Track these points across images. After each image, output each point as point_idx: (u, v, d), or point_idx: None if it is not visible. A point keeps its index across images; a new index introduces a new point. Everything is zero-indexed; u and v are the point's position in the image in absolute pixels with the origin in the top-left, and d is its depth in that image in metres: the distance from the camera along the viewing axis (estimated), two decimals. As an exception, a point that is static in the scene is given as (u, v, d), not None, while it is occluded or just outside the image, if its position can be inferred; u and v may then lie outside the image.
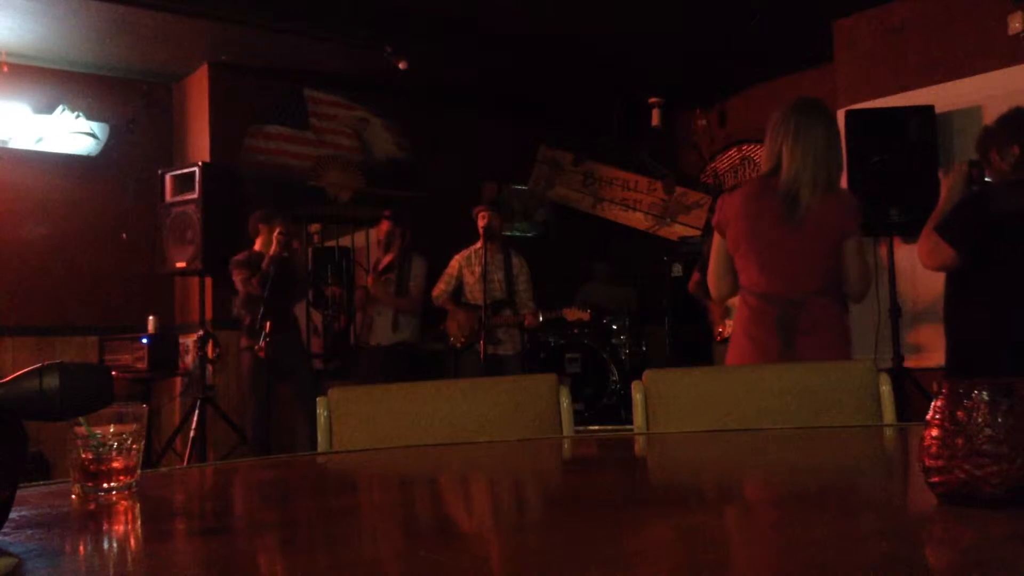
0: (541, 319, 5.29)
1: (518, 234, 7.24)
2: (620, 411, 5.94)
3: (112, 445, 1.06)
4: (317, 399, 1.73)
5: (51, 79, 5.79)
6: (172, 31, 5.39)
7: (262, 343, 5.07)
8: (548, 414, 1.79)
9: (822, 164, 2.52)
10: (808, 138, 2.53)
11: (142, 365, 5.34)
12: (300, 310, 5.87)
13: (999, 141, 2.96)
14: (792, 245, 2.54)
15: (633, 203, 7.30)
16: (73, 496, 1.06)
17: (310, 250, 6.45)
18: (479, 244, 5.33)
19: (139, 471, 1.10)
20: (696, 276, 5.47)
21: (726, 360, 2.73)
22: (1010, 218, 2.83)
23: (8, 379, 0.81)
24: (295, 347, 5.30)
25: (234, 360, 5.88)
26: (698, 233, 6.84)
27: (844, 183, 5.00)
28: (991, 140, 2.99)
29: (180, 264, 5.43)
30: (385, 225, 5.71)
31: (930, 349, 4.90)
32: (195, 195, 5.40)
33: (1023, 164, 2.88)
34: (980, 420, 0.81)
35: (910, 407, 4.03)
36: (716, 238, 2.68)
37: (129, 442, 1.07)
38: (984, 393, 0.82)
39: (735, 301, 2.76)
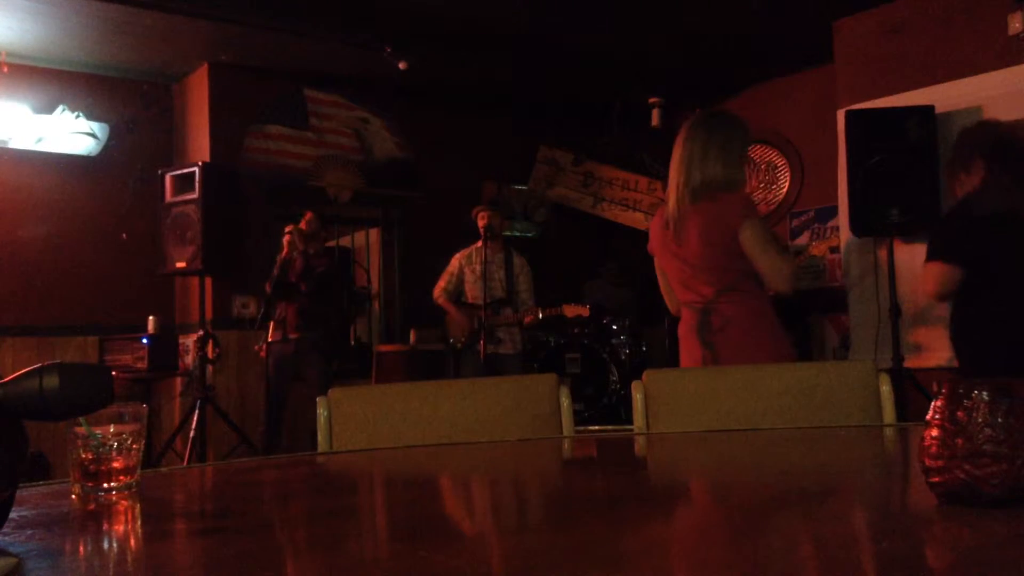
0: (541, 316, 5.28)
1: (518, 234, 7.24)
2: (620, 411, 5.94)
3: (112, 445, 1.06)
4: (317, 399, 1.73)
5: (51, 79, 5.79)
6: (172, 31, 5.39)
7: (261, 343, 5.08)
8: (548, 414, 1.79)
9: (690, 171, 2.63)
10: (682, 151, 2.67)
11: (142, 365, 5.34)
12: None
13: (963, 160, 3.03)
14: (684, 255, 2.68)
15: (633, 203, 7.30)
16: (73, 496, 1.06)
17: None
18: (480, 243, 5.33)
19: (139, 471, 1.10)
20: None
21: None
22: (992, 219, 2.87)
23: (8, 379, 0.81)
24: (310, 348, 5.26)
25: (234, 360, 5.88)
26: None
27: (843, 183, 5.05)
28: (957, 164, 3.07)
29: (180, 264, 5.43)
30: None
31: (930, 349, 4.90)
32: (195, 195, 5.41)
33: (990, 172, 2.95)
34: (980, 420, 0.81)
35: (910, 407, 4.03)
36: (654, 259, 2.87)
37: (129, 442, 1.07)
38: (984, 393, 0.82)
39: None
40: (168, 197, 5.54)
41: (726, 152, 2.65)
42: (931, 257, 2.96)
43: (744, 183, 2.75)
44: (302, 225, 5.19)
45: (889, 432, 1.67)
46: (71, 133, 5.80)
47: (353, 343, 6.67)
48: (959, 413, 0.83)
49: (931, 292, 3.03)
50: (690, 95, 7.02)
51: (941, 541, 0.78)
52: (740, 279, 2.62)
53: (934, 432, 0.85)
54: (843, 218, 5.30)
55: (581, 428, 2.18)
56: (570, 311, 5.32)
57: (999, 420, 0.81)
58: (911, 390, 4.36)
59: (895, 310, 4.68)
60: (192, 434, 5.14)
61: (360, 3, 5.13)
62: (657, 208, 2.90)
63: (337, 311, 5.59)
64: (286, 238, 5.14)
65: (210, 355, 5.43)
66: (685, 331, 2.73)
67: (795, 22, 5.60)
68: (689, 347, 2.69)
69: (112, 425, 1.06)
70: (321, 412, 1.71)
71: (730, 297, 2.62)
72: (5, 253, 5.59)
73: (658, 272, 2.86)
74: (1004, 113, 4.57)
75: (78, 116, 5.82)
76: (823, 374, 1.86)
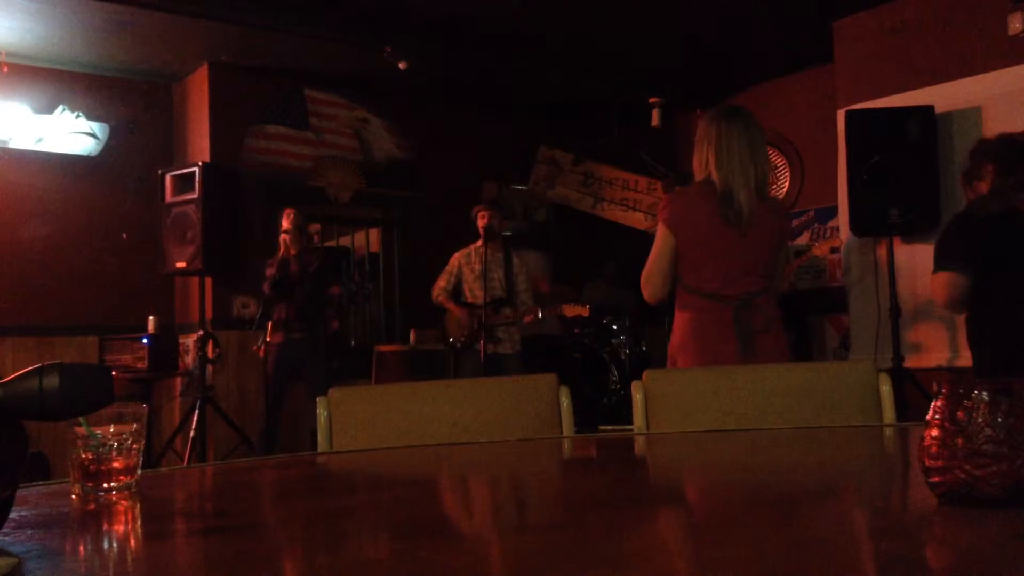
0: (541, 316, 5.28)
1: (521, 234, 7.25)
2: (620, 411, 5.93)
3: (112, 445, 1.06)
4: (317, 399, 1.73)
5: (51, 79, 5.79)
6: (172, 31, 5.39)
7: (260, 343, 5.08)
8: (548, 414, 1.79)
9: (748, 166, 2.63)
10: (730, 143, 2.64)
11: (142, 365, 5.34)
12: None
13: (976, 169, 3.08)
14: (741, 247, 2.64)
15: (633, 203, 7.30)
16: (73, 496, 1.06)
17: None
18: (479, 243, 5.33)
19: (139, 471, 1.10)
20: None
21: (676, 364, 2.69)
22: (989, 221, 2.89)
23: (8, 379, 0.81)
24: (307, 348, 5.26)
25: (234, 360, 5.89)
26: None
27: (843, 183, 5.05)
28: (971, 173, 3.11)
29: (180, 264, 5.43)
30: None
31: (930, 349, 4.90)
32: (195, 195, 5.41)
33: (999, 177, 2.99)
34: (980, 420, 0.81)
35: (910, 407, 4.03)
36: (663, 236, 2.70)
37: (129, 442, 1.07)
38: (984, 393, 0.82)
39: None
40: (168, 197, 5.54)
41: (764, 147, 2.71)
42: (937, 268, 2.97)
43: None
44: (284, 223, 5.18)
45: (889, 432, 1.67)
46: (71, 133, 5.80)
47: (353, 343, 6.67)
48: (959, 413, 0.83)
49: (941, 302, 3.05)
50: (690, 95, 7.03)
51: (941, 541, 0.78)
52: (771, 284, 2.71)
53: (934, 432, 0.85)
54: (843, 218, 5.30)
55: (581, 428, 2.20)
56: (570, 311, 5.32)
57: (999, 420, 0.81)
58: (911, 390, 4.36)
59: (895, 310, 4.68)
60: (192, 434, 5.14)
61: (360, 3, 5.13)
62: (689, 189, 2.82)
63: (335, 309, 5.60)
64: (283, 237, 5.14)
65: (210, 355, 5.43)
66: (713, 324, 2.61)
67: (795, 22, 5.61)
68: (717, 343, 2.59)
69: (112, 425, 1.06)
70: (321, 412, 1.71)
71: (767, 300, 2.65)
72: (5, 253, 5.59)
73: (661, 251, 2.70)
74: (1004, 113, 4.58)
75: (78, 116, 5.82)
76: (823, 374, 1.86)
